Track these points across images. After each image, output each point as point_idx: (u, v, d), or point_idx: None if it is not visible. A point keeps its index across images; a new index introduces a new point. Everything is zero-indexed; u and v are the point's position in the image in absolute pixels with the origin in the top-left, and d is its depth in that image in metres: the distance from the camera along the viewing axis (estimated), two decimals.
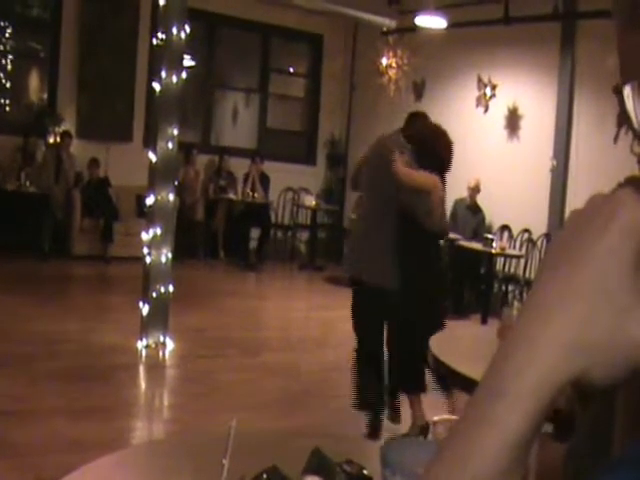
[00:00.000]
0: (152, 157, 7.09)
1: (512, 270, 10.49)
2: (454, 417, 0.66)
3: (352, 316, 5.34)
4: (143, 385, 6.72)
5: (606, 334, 0.57)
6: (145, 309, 7.06)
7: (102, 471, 1.94)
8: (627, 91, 0.70)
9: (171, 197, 7.14)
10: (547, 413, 0.58)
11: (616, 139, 9.46)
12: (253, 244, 12.51)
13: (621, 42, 0.72)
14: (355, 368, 5.39)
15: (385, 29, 12.65)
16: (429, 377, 5.28)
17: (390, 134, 5.72)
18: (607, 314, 0.57)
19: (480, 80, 11.47)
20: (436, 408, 4.87)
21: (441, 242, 5.87)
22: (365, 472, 1.73)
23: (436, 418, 1.60)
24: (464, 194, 10.74)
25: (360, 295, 5.31)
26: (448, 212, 11.01)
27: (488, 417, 0.58)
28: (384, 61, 12.75)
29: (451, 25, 10.81)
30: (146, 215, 7.34)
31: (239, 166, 12.81)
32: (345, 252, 5.64)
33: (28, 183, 11.00)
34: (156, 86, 7.09)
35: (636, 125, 0.71)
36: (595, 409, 0.86)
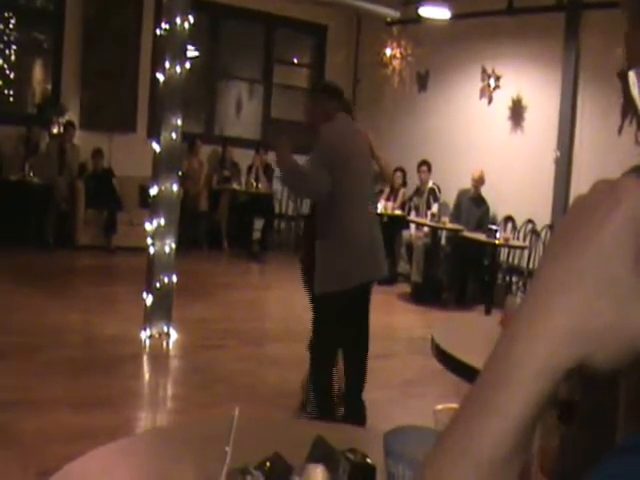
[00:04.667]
0: (156, 147, 7.10)
1: (516, 261, 10.49)
2: (457, 405, 0.66)
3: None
4: (147, 375, 6.74)
5: (608, 321, 0.57)
6: (149, 299, 7.07)
7: (105, 459, 1.94)
8: (632, 77, 0.70)
9: (175, 187, 7.15)
10: (550, 399, 0.58)
11: (620, 130, 9.44)
12: (256, 234, 12.52)
13: (628, 36, 0.73)
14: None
15: (389, 20, 12.63)
16: None
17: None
18: (609, 301, 0.57)
19: (484, 71, 11.45)
20: (441, 398, 4.88)
21: None
22: (368, 461, 1.73)
23: (439, 407, 1.60)
24: (468, 185, 10.73)
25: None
26: (452, 203, 11.09)
27: (490, 405, 0.58)
28: (388, 52, 12.73)
29: (455, 16, 10.80)
30: (150, 205, 7.34)
31: (243, 157, 12.82)
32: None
33: (32, 174, 11.00)
34: (160, 76, 7.09)
35: None
36: (597, 397, 0.86)
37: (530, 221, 10.51)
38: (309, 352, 5.32)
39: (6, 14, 11.76)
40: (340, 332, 5.14)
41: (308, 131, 5.25)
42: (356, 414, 5.14)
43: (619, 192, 0.58)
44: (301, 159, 5.13)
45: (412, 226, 11.24)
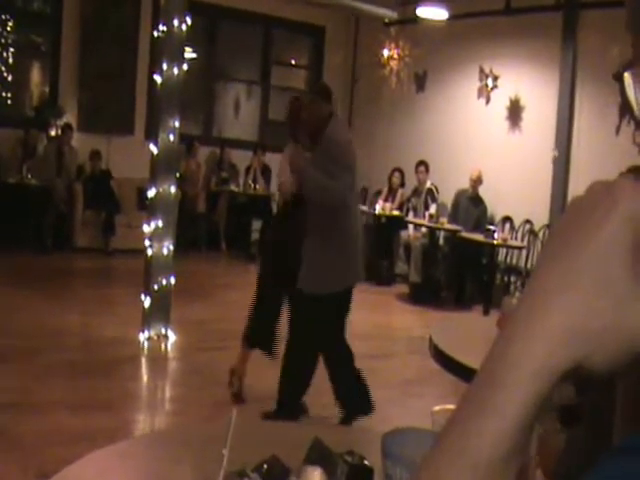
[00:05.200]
0: (153, 149, 7.09)
1: (514, 261, 10.49)
2: (454, 406, 0.66)
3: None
4: (145, 377, 6.73)
5: (605, 322, 0.57)
6: (147, 301, 7.07)
7: (104, 461, 1.94)
8: (627, 79, 0.70)
9: (173, 189, 7.14)
10: (547, 400, 0.58)
11: (618, 130, 9.44)
12: (255, 236, 12.51)
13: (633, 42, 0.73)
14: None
15: (387, 20, 12.63)
16: None
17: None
18: (607, 302, 0.57)
19: (482, 71, 11.45)
20: (440, 398, 4.88)
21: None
22: (366, 462, 1.72)
23: (436, 408, 1.60)
24: (466, 185, 10.74)
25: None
26: (449, 203, 11.09)
27: (487, 406, 0.58)
28: (386, 53, 12.74)
29: (452, 16, 10.80)
30: (148, 207, 7.34)
31: (241, 158, 12.82)
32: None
33: (30, 176, 11.00)
34: (157, 78, 7.09)
35: (637, 112, 0.71)
36: (595, 398, 0.85)
37: (528, 221, 10.51)
38: (287, 353, 5.34)
39: (3, 16, 11.76)
40: (326, 333, 5.19)
41: (305, 132, 5.24)
42: (359, 407, 5.22)
43: (616, 193, 0.58)
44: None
45: (410, 226, 11.24)
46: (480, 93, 11.56)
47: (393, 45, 12.66)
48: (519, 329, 0.58)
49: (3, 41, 11.83)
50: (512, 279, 10.58)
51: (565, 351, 0.57)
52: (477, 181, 10.63)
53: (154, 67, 7.59)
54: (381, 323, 9.19)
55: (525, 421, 0.57)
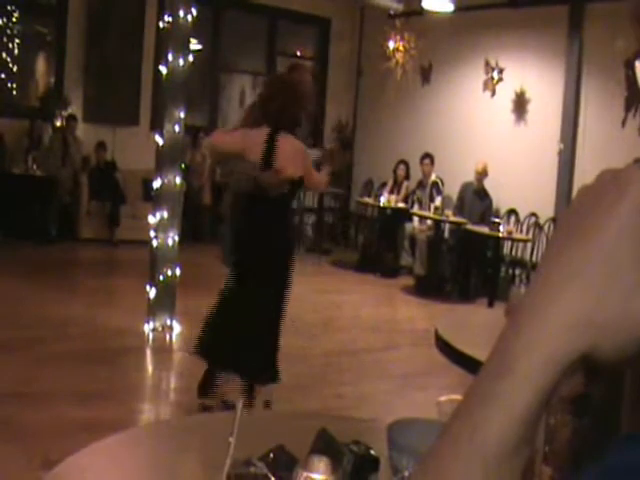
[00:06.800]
0: (159, 140, 7.10)
1: (519, 254, 10.49)
2: (460, 397, 0.66)
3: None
4: (150, 368, 6.74)
5: (614, 312, 0.56)
6: (152, 292, 7.07)
7: (109, 450, 1.95)
8: (639, 67, 0.70)
9: (178, 180, 7.15)
10: (555, 390, 0.58)
11: (624, 123, 9.43)
12: None
13: None
14: None
15: (392, 12, 12.61)
16: None
17: None
18: (616, 291, 0.57)
19: (487, 64, 11.43)
20: (444, 390, 4.88)
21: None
22: (372, 452, 1.73)
23: (442, 398, 1.60)
24: (471, 178, 10.72)
25: None
26: (455, 196, 11.07)
27: (495, 395, 0.58)
28: (391, 45, 12.71)
29: (458, 8, 10.77)
30: (153, 198, 7.35)
31: None
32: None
33: (35, 167, 11.01)
34: (163, 69, 7.09)
35: None
36: (603, 388, 0.86)
37: (533, 214, 10.51)
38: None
39: (9, 7, 11.74)
40: None
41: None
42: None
43: (624, 181, 0.58)
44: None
45: (415, 219, 11.22)
46: (485, 86, 11.55)
47: (398, 37, 12.64)
48: (526, 319, 0.58)
49: (9, 32, 11.81)
50: (517, 272, 10.58)
51: (572, 341, 0.57)
52: (482, 174, 10.60)
53: (159, 58, 7.59)
54: (385, 315, 9.19)
55: (533, 412, 0.57)
